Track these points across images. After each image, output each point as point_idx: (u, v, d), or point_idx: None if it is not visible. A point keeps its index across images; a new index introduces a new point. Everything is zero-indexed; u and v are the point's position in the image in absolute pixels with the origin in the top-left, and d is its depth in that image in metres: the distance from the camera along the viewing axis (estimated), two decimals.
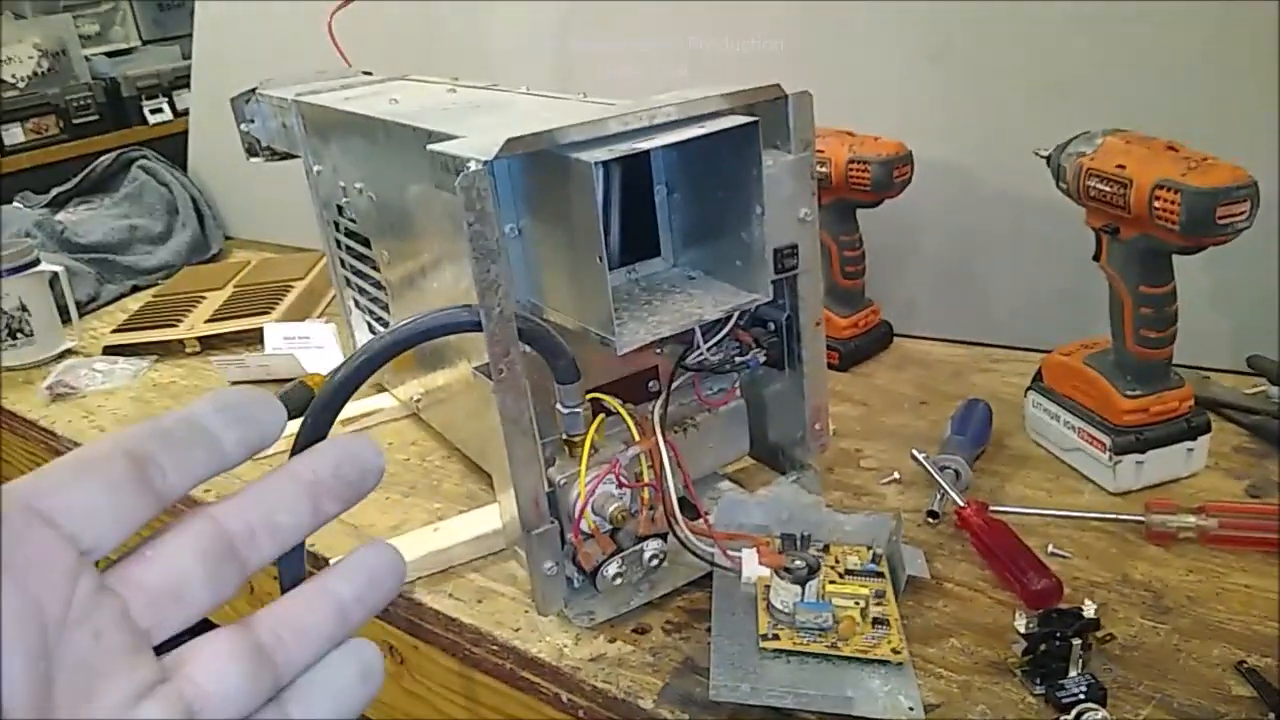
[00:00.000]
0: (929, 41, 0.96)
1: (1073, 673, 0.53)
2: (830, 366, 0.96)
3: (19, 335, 1.25)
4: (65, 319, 1.30)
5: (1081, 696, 0.51)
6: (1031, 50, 0.90)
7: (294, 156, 1.03)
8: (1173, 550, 0.65)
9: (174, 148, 1.88)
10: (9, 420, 1.16)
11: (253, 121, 1.08)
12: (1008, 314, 0.98)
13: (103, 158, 1.76)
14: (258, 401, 0.27)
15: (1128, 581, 0.63)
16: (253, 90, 1.07)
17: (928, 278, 1.03)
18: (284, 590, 0.28)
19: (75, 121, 2.77)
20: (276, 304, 1.27)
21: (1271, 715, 0.50)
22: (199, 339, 1.23)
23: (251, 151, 1.11)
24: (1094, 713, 0.49)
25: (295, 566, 0.29)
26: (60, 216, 1.62)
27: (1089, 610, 0.55)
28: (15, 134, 2.69)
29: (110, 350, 1.25)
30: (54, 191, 1.74)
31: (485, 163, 0.52)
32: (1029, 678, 0.54)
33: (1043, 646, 0.53)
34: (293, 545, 0.27)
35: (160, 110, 2.87)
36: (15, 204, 1.70)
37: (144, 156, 1.77)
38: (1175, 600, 0.61)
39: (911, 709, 0.53)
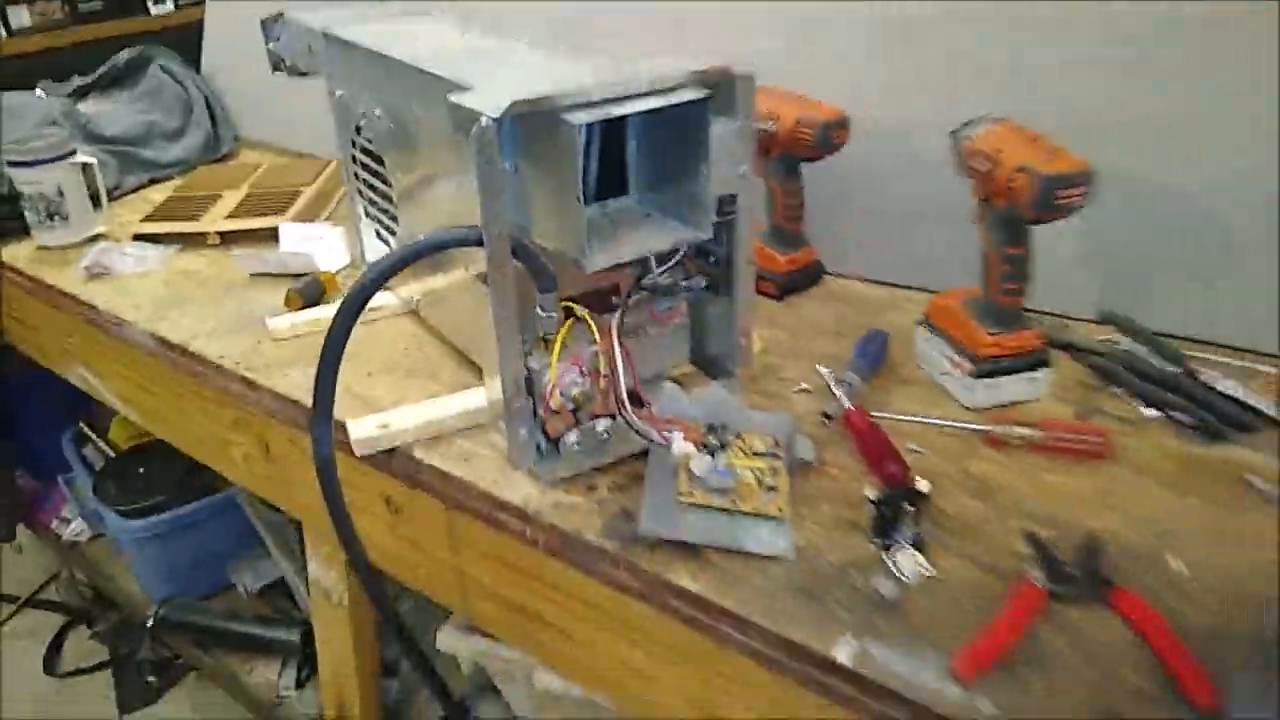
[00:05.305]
0: (886, 25, 1.11)
1: (903, 529, 0.72)
2: (768, 295, 1.13)
3: (55, 218, 1.40)
4: (95, 205, 1.45)
5: (904, 543, 0.70)
6: (971, 39, 1.06)
7: (313, 75, 1.17)
8: (1006, 454, 0.84)
9: (174, 40, 1.98)
10: (49, 293, 1.31)
11: (279, 40, 1.21)
12: (923, 260, 1.15)
13: (121, 53, 1.87)
14: None
15: (964, 473, 0.81)
16: (280, 14, 1.20)
17: (858, 225, 1.19)
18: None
19: (80, 8, 2.84)
20: (289, 206, 1.42)
21: (1045, 564, 0.69)
22: (220, 234, 1.38)
23: (276, 67, 1.25)
24: (900, 547, 0.69)
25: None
26: (82, 108, 1.74)
27: (922, 485, 0.74)
28: (22, 17, 2.75)
29: (140, 238, 1.40)
30: (76, 83, 1.85)
31: (495, 119, 0.68)
32: (873, 532, 0.73)
33: (884, 508, 0.72)
34: None
35: (163, 1, 2.94)
36: (38, 92, 1.81)
37: (159, 54, 1.88)
38: (996, 488, 0.80)
39: (785, 548, 0.72)
